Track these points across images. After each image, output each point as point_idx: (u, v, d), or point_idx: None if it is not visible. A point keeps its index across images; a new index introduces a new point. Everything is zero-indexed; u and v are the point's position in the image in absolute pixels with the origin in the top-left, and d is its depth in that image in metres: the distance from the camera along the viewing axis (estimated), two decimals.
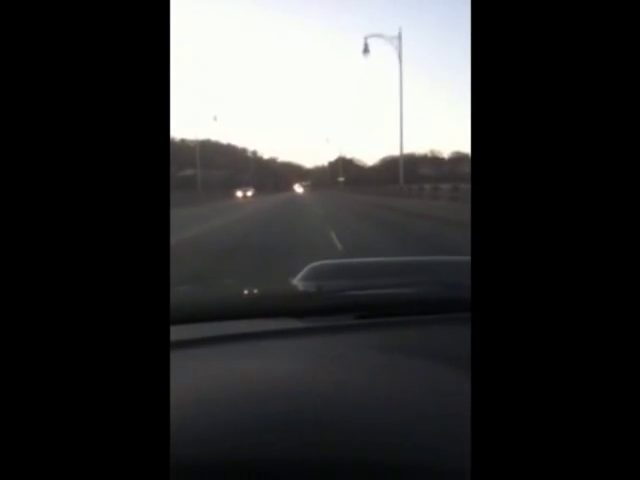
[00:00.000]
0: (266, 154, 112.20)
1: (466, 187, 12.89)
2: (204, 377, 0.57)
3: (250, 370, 0.59)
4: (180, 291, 1.04)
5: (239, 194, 46.29)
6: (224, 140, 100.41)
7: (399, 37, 18.29)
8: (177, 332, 0.67)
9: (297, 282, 1.01)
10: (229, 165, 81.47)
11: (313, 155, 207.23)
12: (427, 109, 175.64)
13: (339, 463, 0.41)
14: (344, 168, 78.81)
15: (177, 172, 63.19)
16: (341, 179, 58.31)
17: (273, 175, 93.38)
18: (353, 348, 0.66)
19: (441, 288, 0.97)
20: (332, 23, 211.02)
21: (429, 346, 0.67)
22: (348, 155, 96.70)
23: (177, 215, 11.34)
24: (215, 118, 50.49)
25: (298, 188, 77.29)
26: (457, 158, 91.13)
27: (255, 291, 1.07)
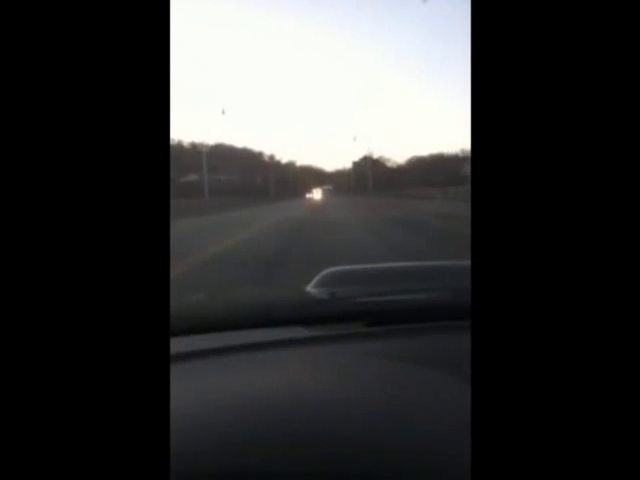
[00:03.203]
0: (284, 158, 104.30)
1: None
2: (208, 389, 0.59)
3: (255, 381, 0.61)
4: (190, 301, 1.08)
5: None
6: (239, 144, 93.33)
7: None
8: (185, 343, 0.70)
9: (310, 289, 1.01)
10: (242, 170, 74.14)
11: (335, 158, 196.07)
12: (455, 106, 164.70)
13: (341, 475, 0.42)
14: (371, 169, 68.51)
15: (178, 177, 56.24)
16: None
17: (285, 180, 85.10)
18: (361, 357, 0.68)
19: (452, 293, 0.96)
20: (351, 13, 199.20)
21: (437, 354, 0.68)
22: (375, 154, 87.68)
23: None
24: (223, 112, 43.65)
25: (317, 194, 65.36)
26: None
27: (267, 299, 1.11)
